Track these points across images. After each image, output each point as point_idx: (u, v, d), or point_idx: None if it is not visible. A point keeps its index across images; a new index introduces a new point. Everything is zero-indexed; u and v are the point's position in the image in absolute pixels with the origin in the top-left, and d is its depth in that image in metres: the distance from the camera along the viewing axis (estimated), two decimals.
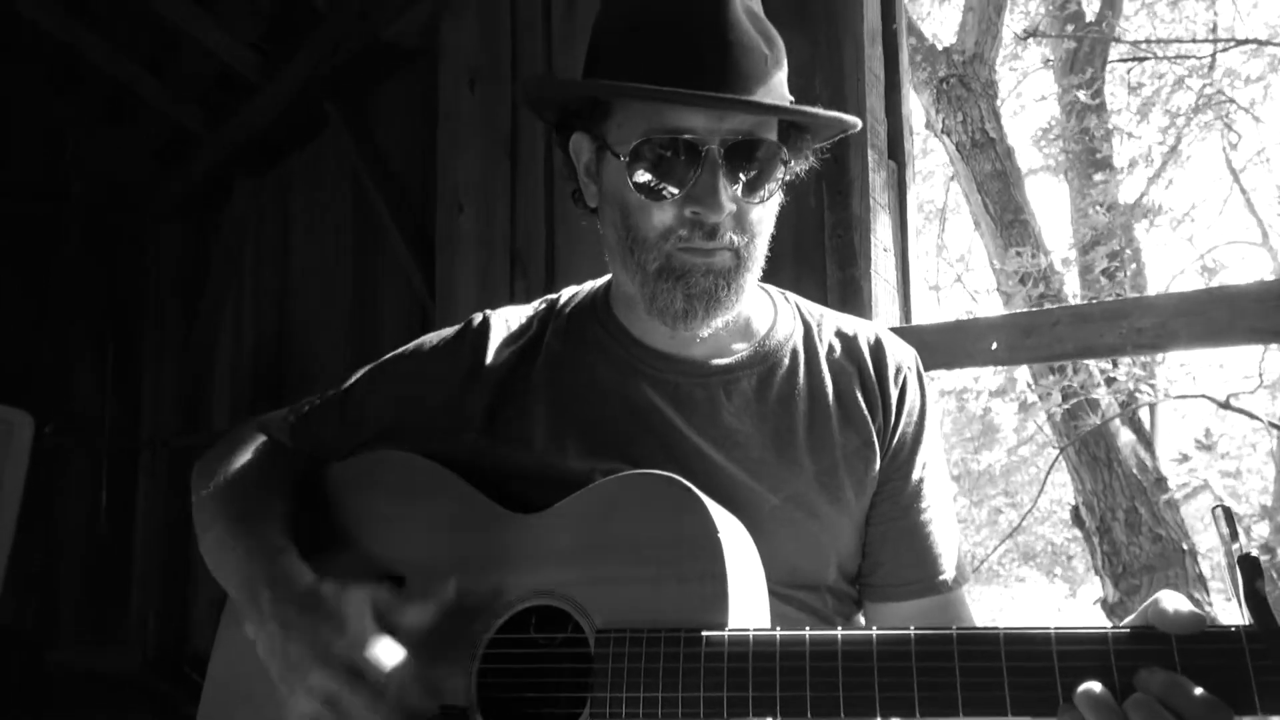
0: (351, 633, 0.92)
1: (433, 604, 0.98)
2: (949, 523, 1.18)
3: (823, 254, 1.95)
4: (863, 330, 1.23)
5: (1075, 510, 5.01)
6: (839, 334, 1.22)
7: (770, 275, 2.10)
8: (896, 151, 1.98)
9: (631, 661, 0.91)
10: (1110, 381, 4.29)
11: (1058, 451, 4.51)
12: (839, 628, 0.86)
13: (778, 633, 0.87)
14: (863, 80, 1.91)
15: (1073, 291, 4.90)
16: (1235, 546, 0.72)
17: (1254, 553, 0.70)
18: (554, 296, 1.28)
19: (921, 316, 2.00)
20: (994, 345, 1.59)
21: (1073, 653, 0.75)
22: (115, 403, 5.08)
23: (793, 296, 1.27)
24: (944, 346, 1.69)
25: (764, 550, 1.05)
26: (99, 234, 5.17)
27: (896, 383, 1.18)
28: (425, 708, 0.97)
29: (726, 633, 0.88)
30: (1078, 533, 5.48)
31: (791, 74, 2.09)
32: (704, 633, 0.89)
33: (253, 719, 1.07)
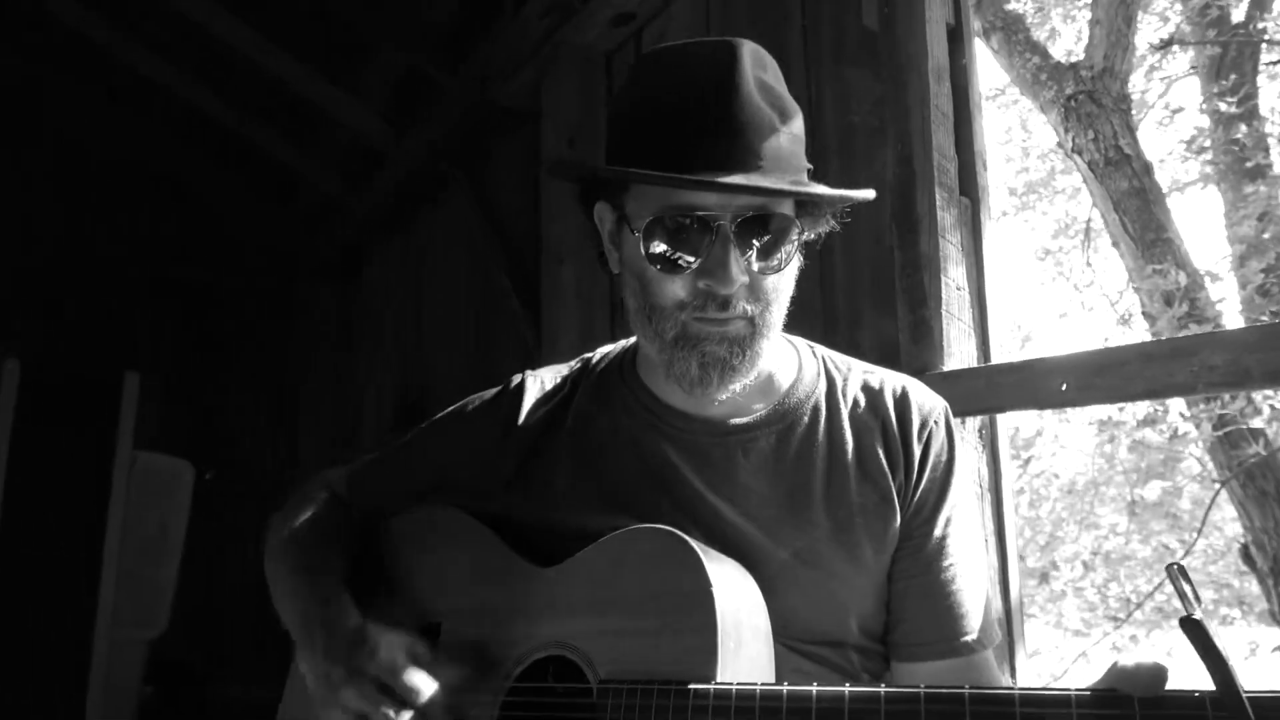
0: (384, 659, 1.01)
1: (449, 673, 1.05)
2: (976, 582, 1.15)
3: (895, 295, 1.93)
4: (890, 383, 1.22)
5: (1245, 549, 4.62)
6: (865, 388, 1.21)
7: (851, 317, 2.10)
8: (969, 187, 1.94)
9: (627, 713, 0.94)
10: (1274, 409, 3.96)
11: (1219, 486, 4.18)
12: (814, 684, 0.86)
13: (758, 688, 0.88)
14: (928, 118, 1.89)
15: (1229, 311, 4.56)
16: (1199, 608, 0.68)
17: (1198, 615, 0.67)
18: (589, 355, 1.33)
19: (1010, 354, 1.94)
20: (1064, 386, 1.54)
21: (1037, 715, 0.74)
22: (276, 450, 5.50)
23: (821, 350, 1.28)
24: (1012, 387, 1.64)
25: (779, 606, 1.07)
26: (263, 298, 5.67)
27: (920, 438, 1.16)
28: None
29: (712, 687, 0.90)
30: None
31: (862, 112, 2.08)
32: (692, 686, 0.91)
33: None
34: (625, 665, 0.98)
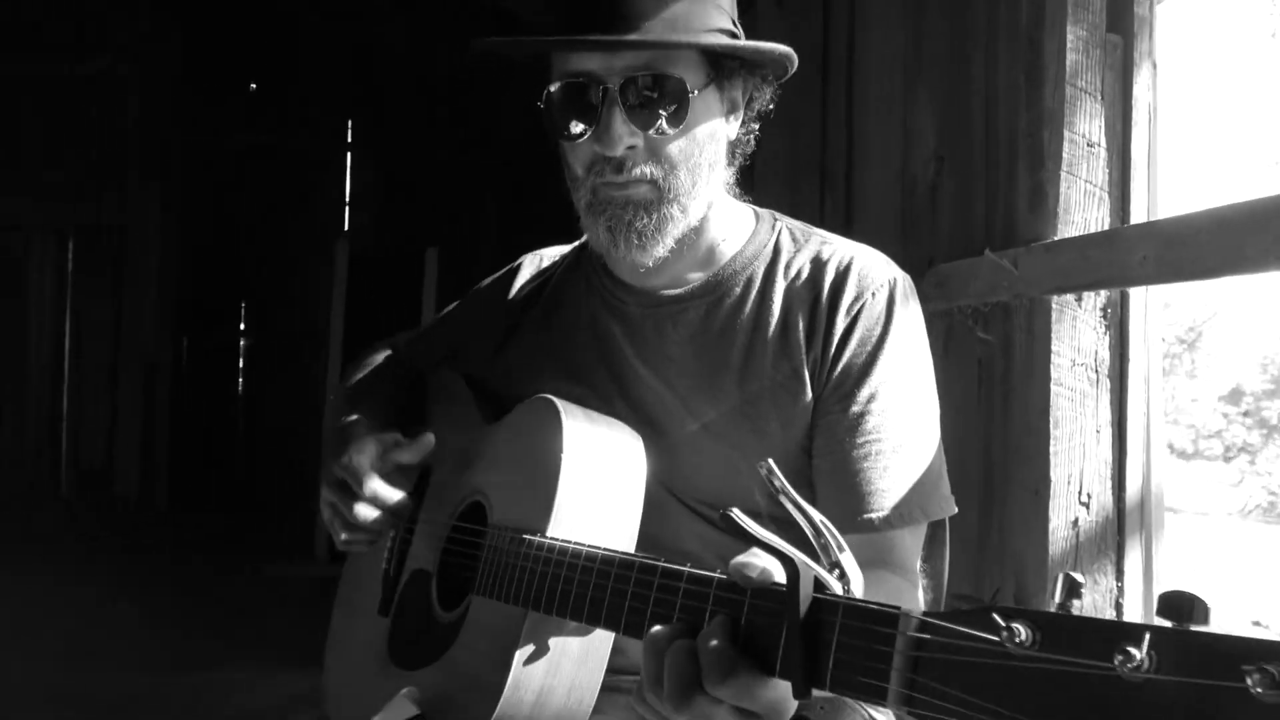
0: (347, 460, 1.21)
1: (417, 449, 1.23)
2: (900, 461, 1.09)
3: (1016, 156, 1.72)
4: (840, 254, 1.17)
5: None
6: (814, 260, 1.17)
7: (1007, 177, 1.91)
8: (1122, 22, 1.64)
9: (494, 554, 1.08)
10: None
11: None
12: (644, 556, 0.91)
13: (559, 543, 0.98)
14: None
15: None
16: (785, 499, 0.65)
17: (733, 512, 0.64)
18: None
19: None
20: (1143, 257, 1.32)
21: (692, 591, 0.76)
22: None
23: (784, 221, 1.24)
24: (1096, 262, 1.43)
25: (685, 472, 1.14)
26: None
27: (849, 312, 1.12)
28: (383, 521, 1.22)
29: (536, 539, 1.01)
30: None
31: None
32: (524, 536, 1.03)
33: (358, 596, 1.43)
34: (505, 513, 1.11)
